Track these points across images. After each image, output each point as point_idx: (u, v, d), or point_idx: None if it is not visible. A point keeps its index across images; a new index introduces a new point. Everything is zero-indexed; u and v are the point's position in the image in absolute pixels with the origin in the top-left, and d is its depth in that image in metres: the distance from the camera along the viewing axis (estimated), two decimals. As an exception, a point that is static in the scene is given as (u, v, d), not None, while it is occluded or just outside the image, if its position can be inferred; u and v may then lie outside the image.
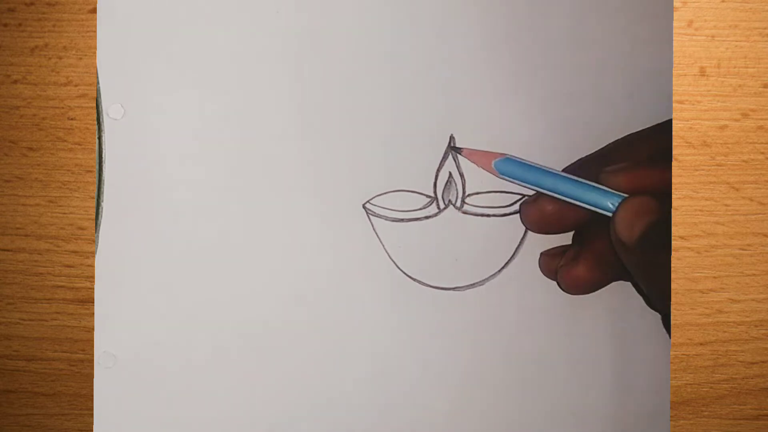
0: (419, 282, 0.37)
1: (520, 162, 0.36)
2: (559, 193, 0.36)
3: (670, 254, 0.36)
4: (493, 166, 0.37)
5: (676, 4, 0.38)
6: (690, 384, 0.38)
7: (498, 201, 0.37)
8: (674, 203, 0.38)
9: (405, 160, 0.37)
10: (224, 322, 0.37)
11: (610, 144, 0.37)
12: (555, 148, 0.37)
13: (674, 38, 0.38)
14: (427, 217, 0.37)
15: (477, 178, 0.37)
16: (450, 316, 0.37)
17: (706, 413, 0.38)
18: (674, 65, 0.38)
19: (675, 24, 0.38)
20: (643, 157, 0.36)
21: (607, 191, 0.35)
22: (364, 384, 0.37)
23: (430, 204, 0.37)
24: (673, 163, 0.38)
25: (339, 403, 0.37)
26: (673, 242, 0.38)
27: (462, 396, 0.37)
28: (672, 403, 0.38)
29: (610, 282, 0.37)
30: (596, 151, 0.37)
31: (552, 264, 0.37)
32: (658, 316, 0.37)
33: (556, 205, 0.36)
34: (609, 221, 0.35)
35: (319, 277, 0.37)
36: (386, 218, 0.37)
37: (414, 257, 0.37)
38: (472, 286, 0.37)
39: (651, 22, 0.38)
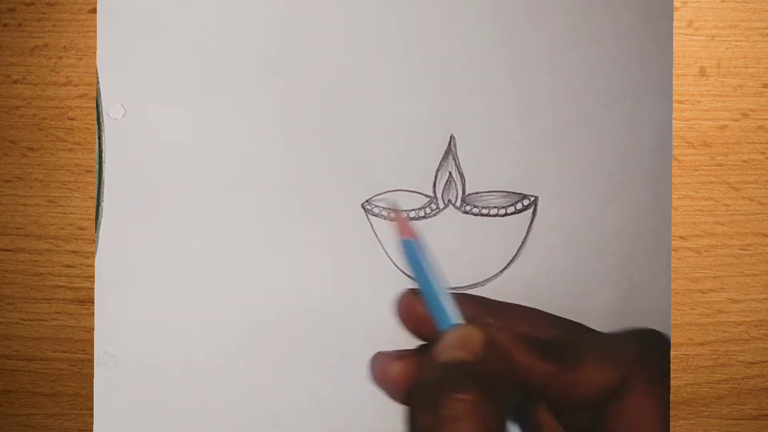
0: (419, 281, 0.37)
1: (421, 254, 0.35)
2: (426, 294, 0.33)
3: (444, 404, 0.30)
4: (401, 239, 0.36)
5: (676, 4, 0.38)
6: (690, 384, 0.38)
7: (498, 201, 0.37)
8: (674, 203, 0.38)
9: (404, 159, 0.37)
10: (224, 321, 0.37)
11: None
12: (555, 148, 0.37)
13: (674, 38, 0.38)
14: (426, 217, 0.37)
15: (477, 177, 0.37)
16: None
17: (706, 413, 0.38)
18: (674, 65, 0.38)
19: (675, 24, 0.38)
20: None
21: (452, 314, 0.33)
22: (364, 383, 0.37)
23: (429, 203, 0.37)
24: (673, 163, 0.38)
25: (339, 402, 0.37)
26: (673, 242, 0.38)
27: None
28: (672, 403, 0.38)
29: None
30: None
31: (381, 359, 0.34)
32: (661, 314, 0.37)
33: (424, 311, 0.34)
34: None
35: (318, 276, 0.37)
36: (385, 218, 0.37)
37: (414, 257, 0.37)
38: (473, 286, 0.37)
39: (651, 22, 0.38)
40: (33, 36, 0.38)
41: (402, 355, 0.34)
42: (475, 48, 0.38)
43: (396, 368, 0.34)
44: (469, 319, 0.33)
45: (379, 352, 0.35)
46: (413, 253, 0.35)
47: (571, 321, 0.35)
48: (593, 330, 0.35)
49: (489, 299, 0.35)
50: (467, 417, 0.30)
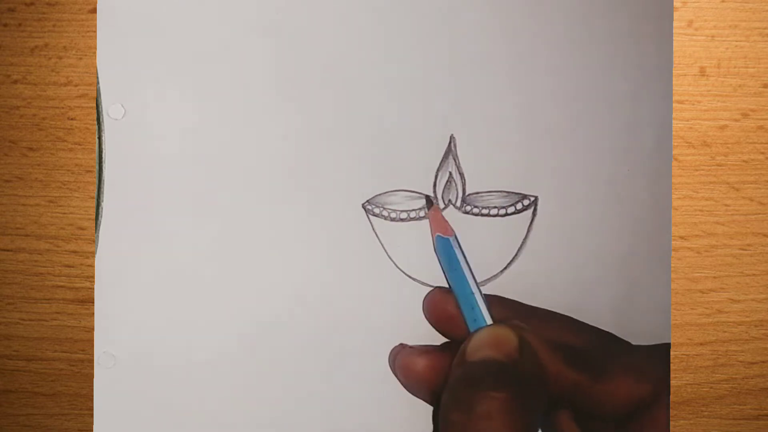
0: (419, 282, 0.37)
1: (456, 251, 0.35)
2: (457, 292, 0.34)
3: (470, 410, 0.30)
4: (435, 236, 0.36)
5: (676, 4, 0.38)
6: (690, 384, 0.38)
7: (499, 201, 0.37)
8: (674, 203, 0.38)
9: (405, 159, 0.37)
10: (224, 322, 0.37)
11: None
12: (555, 148, 0.37)
13: (674, 38, 0.38)
14: (427, 217, 0.37)
15: (477, 178, 0.37)
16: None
17: (706, 413, 0.38)
18: (674, 65, 0.38)
19: (675, 24, 0.38)
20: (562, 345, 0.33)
21: (485, 318, 0.34)
22: (364, 383, 0.37)
23: (430, 204, 0.37)
24: (673, 163, 0.38)
25: (339, 402, 0.37)
26: (673, 242, 0.38)
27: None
28: (672, 403, 0.38)
29: (432, 398, 0.34)
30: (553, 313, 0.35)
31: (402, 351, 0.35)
32: (661, 314, 0.37)
33: (455, 309, 0.35)
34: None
35: (319, 277, 0.37)
36: (386, 218, 0.37)
37: (413, 257, 0.37)
38: (473, 286, 0.37)
39: (651, 22, 0.38)
40: (33, 36, 0.38)
41: (427, 350, 0.35)
42: (475, 48, 0.38)
43: (421, 363, 0.34)
44: (499, 321, 0.33)
45: (401, 345, 0.36)
46: (448, 250, 0.35)
47: (602, 330, 0.35)
48: (624, 341, 0.35)
49: (521, 303, 0.35)
50: (499, 415, 0.30)
